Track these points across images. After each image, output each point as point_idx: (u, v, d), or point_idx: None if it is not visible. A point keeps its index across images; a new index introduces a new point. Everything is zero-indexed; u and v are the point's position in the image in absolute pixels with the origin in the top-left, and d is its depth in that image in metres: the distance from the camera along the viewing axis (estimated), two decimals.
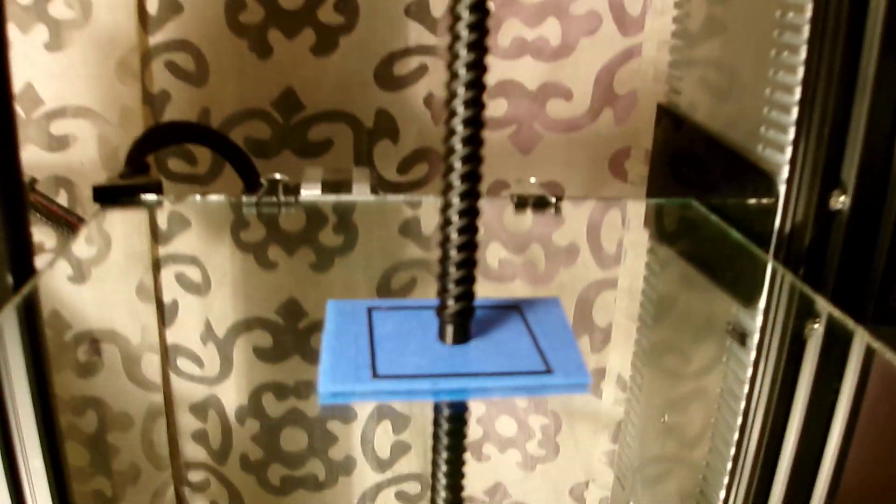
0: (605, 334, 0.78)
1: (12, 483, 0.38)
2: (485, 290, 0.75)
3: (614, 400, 0.78)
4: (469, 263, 0.29)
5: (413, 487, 0.82)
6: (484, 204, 0.71)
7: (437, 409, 0.32)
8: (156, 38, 0.68)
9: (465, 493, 0.85)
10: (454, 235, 0.29)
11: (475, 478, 0.82)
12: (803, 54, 0.43)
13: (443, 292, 0.30)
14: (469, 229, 0.29)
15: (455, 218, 0.28)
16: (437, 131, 0.71)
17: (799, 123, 0.43)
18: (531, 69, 0.70)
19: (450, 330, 0.31)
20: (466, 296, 0.30)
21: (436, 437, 0.32)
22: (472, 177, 0.28)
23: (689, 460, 0.56)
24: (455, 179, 0.28)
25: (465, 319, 0.31)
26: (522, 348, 0.31)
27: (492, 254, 0.75)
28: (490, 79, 0.70)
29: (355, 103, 0.71)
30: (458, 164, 0.27)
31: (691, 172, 0.57)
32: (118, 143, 0.68)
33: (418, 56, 0.70)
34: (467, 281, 0.30)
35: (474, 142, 0.28)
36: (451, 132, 0.27)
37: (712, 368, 0.52)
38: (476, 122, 0.28)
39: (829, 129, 0.43)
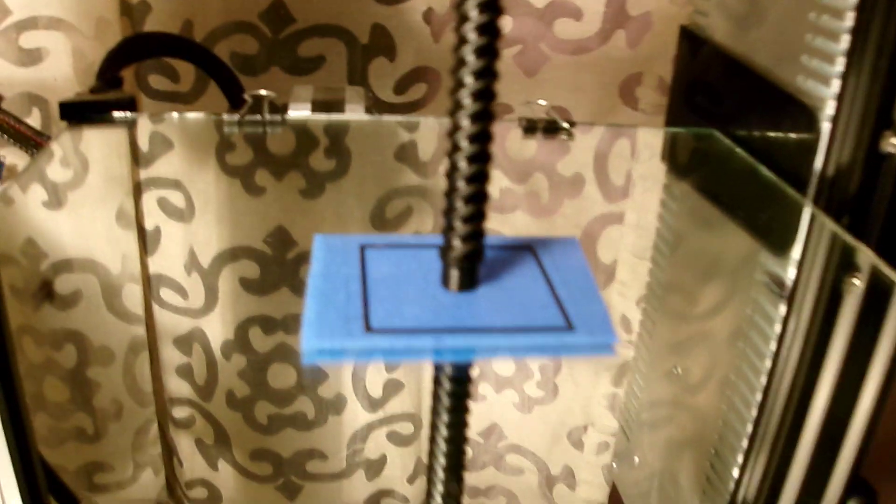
0: (609, 271, 0.75)
1: None
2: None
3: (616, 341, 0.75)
4: (480, 198, 0.25)
5: (406, 428, 0.80)
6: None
7: (437, 367, 0.28)
8: None
9: None
10: (463, 164, 0.24)
11: (470, 418, 0.80)
12: None
13: (448, 231, 0.26)
14: (481, 157, 0.25)
15: (465, 144, 0.24)
16: (436, 49, 0.67)
17: (850, 54, 0.39)
18: None
19: (455, 275, 0.26)
20: (475, 236, 0.26)
21: (436, 397, 0.28)
22: (486, 95, 0.24)
23: (700, 411, 0.54)
24: (465, 98, 0.23)
25: (472, 263, 0.26)
26: (539, 298, 0.26)
27: (492, 182, 0.72)
28: None
29: (349, 17, 0.67)
30: (469, 80, 0.23)
31: (717, 104, 0.53)
32: (94, 57, 0.64)
33: None
34: (477, 218, 0.25)
35: (489, 53, 0.23)
36: (462, 41, 0.23)
37: (729, 315, 0.49)
38: (492, 30, 0.23)
39: (887, 62, 0.38)
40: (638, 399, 0.65)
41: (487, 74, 0.23)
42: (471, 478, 0.84)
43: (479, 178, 0.25)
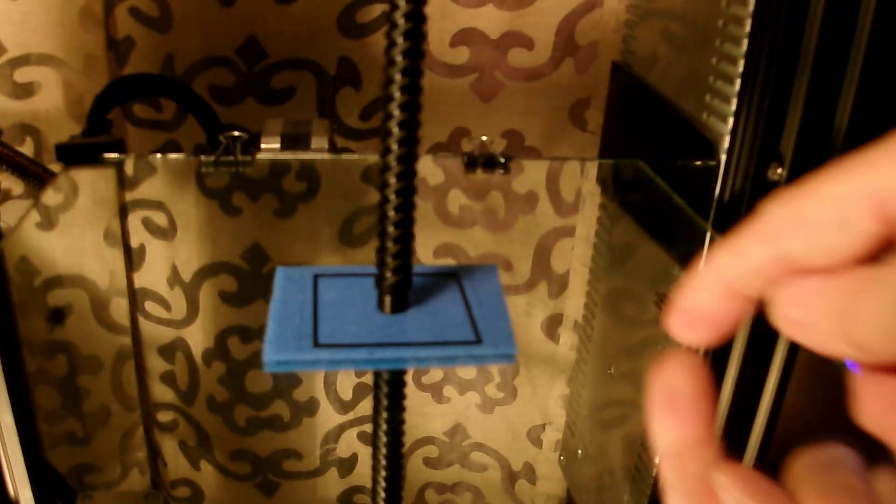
0: (562, 281, 0.80)
1: None
2: (445, 237, 0.78)
3: (570, 345, 0.80)
4: (406, 239, 0.31)
5: None
6: (443, 157, 0.72)
7: (376, 374, 0.34)
8: None
9: (425, 434, 0.88)
10: (391, 213, 0.30)
11: (436, 419, 0.85)
12: (748, 27, 0.43)
13: (381, 265, 0.32)
14: (405, 207, 0.30)
15: (392, 196, 0.30)
16: None
17: (741, 95, 0.45)
18: (493, 17, 0.71)
19: (388, 300, 0.32)
20: (403, 268, 0.32)
21: (375, 398, 0.34)
22: (409, 159, 0.29)
23: (630, 407, 0.59)
24: (391, 160, 0.29)
25: (402, 290, 0.32)
26: (456, 317, 0.32)
27: (452, 201, 0.77)
28: (452, 26, 0.71)
29: (318, 51, 0.71)
30: (392, 162, 0.29)
31: (641, 132, 0.58)
32: (83, 90, 0.69)
33: (381, 3, 0.70)
34: (404, 254, 0.31)
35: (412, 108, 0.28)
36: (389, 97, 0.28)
37: (652, 322, 0.55)
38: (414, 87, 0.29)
39: (770, 103, 0.44)
40: (580, 397, 0.70)
41: (407, 172, 0.29)
42: (437, 475, 0.89)
43: (405, 224, 0.31)
